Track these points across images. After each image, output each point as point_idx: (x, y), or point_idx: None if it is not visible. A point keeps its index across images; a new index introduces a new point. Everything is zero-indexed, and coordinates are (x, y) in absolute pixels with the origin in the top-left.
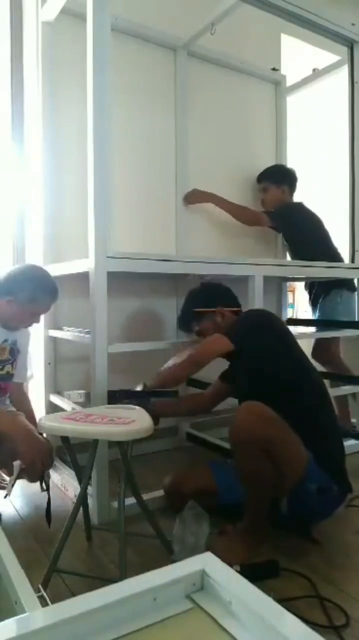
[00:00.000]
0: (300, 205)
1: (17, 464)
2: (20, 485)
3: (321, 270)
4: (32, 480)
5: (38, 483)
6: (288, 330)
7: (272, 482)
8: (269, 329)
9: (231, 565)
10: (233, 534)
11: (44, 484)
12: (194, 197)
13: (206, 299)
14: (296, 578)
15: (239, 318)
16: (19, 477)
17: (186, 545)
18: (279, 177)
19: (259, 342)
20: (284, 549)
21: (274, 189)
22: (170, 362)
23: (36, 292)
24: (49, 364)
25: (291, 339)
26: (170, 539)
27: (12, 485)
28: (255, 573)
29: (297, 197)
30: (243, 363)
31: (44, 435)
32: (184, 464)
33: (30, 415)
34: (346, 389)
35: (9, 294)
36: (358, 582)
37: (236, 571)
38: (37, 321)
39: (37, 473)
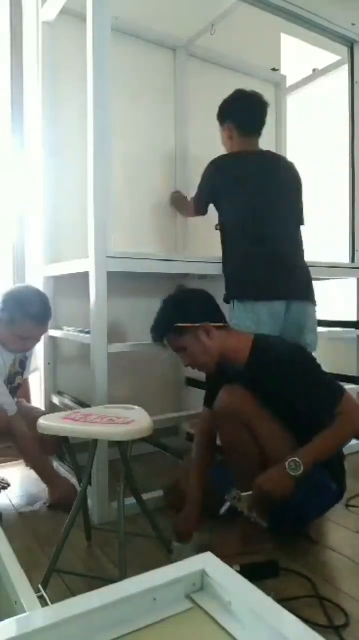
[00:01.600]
0: (224, 160)
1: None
2: (21, 485)
3: (321, 270)
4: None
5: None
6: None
7: (255, 457)
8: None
9: (225, 555)
10: (229, 526)
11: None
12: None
13: (188, 311)
14: (296, 578)
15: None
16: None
17: (187, 546)
18: (219, 113)
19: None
20: (284, 549)
21: (222, 133)
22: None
23: (15, 313)
24: (49, 364)
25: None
26: (170, 540)
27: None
28: (255, 573)
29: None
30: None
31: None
32: (184, 464)
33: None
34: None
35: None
36: (358, 582)
37: (236, 571)
38: (29, 345)
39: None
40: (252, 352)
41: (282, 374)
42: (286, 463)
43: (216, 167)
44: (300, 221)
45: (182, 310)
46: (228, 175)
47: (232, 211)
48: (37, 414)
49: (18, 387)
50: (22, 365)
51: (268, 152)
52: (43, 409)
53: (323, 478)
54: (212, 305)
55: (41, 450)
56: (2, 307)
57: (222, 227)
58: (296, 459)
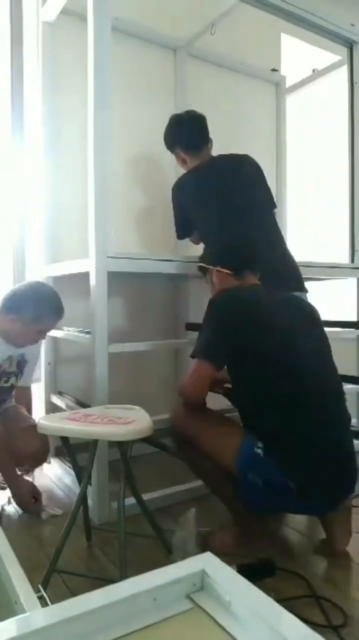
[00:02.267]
0: (182, 179)
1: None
2: None
3: (321, 270)
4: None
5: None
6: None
7: (209, 468)
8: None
9: (215, 548)
10: (226, 526)
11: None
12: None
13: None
14: (293, 578)
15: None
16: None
17: (187, 547)
18: (166, 144)
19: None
20: (281, 549)
21: (176, 161)
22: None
23: (40, 311)
24: (49, 364)
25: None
26: (171, 537)
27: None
28: (251, 573)
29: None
30: None
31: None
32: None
33: (28, 411)
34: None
35: (13, 313)
36: (356, 581)
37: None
38: (43, 337)
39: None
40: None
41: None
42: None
43: (177, 188)
44: (270, 206)
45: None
46: (188, 191)
47: (202, 221)
48: (23, 422)
49: (12, 388)
50: (19, 367)
51: (219, 156)
52: (43, 410)
53: (276, 477)
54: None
55: (11, 460)
56: (22, 306)
57: (200, 240)
58: None
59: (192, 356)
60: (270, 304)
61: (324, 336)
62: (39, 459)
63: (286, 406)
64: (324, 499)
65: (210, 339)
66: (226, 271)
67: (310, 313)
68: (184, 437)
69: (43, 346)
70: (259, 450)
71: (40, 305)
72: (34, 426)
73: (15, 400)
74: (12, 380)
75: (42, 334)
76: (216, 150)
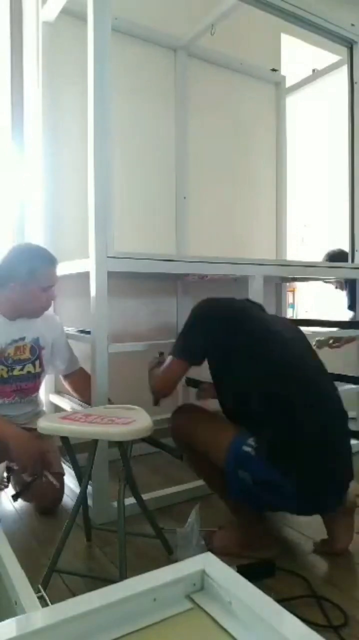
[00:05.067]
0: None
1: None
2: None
3: (321, 270)
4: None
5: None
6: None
7: (208, 469)
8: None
9: (216, 548)
10: (229, 527)
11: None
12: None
13: None
14: (293, 578)
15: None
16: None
17: (187, 547)
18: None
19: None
20: (281, 549)
21: None
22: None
23: (32, 263)
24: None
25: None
26: (173, 537)
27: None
28: (251, 573)
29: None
30: None
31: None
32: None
33: (87, 397)
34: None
35: (9, 281)
36: (356, 581)
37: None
38: (53, 296)
39: (29, 474)
40: None
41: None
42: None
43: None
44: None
45: None
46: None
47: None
48: (48, 466)
49: (35, 376)
50: (33, 352)
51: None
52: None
53: (266, 475)
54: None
55: None
56: (13, 268)
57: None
58: None
59: (170, 354)
60: (246, 307)
61: (305, 340)
62: (54, 505)
63: (270, 404)
64: (317, 497)
65: (185, 337)
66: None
67: (290, 321)
68: (185, 439)
69: (59, 328)
70: (249, 449)
71: (29, 259)
72: (56, 474)
73: (73, 389)
74: (29, 367)
75: (47, 291)
76: (216, 150)
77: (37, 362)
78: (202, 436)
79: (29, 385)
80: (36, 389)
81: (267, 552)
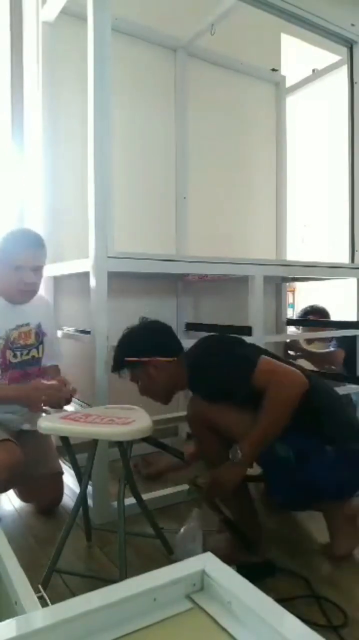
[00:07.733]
0: None
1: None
2: None
3: (321, 270)
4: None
5: None
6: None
7: (223, 453)
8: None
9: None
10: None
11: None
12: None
13: (137, 347)
14: (293, 578)
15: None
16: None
17: (187, 547)
18: None
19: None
20: (281, 549)
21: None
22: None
23: (6, 242)
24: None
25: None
26: (174, 536)
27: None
28: (251, 573)
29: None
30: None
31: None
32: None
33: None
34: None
35: None
36: (356, 581)
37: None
38: (28, 278)
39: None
40: (188, 376)
41: (204, 383)
42: (231, 454)
43: None
44: None
45: (132, 346)
46: None
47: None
48: (44, 467)
49: (37, 361)
50: (37, 337)
51: None
52: None
53: (307, 445)
54: (164, 338)
55: None
56: None
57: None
58: (238, 447)
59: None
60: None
61: None
62: (53, 504)
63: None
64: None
65: (236, 352)
66: (166, 359)
67: None
68: (208, 414)
69: (53, 318)
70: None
71: (5, 239)
72: (55, 474)
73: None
74: (33, 352)
75: (21, 270)
76: (216, 150)
77: (40, 347)
78: (229, 415)
79: (33, 369)
80: (40, 373)
81: (265, 554)
